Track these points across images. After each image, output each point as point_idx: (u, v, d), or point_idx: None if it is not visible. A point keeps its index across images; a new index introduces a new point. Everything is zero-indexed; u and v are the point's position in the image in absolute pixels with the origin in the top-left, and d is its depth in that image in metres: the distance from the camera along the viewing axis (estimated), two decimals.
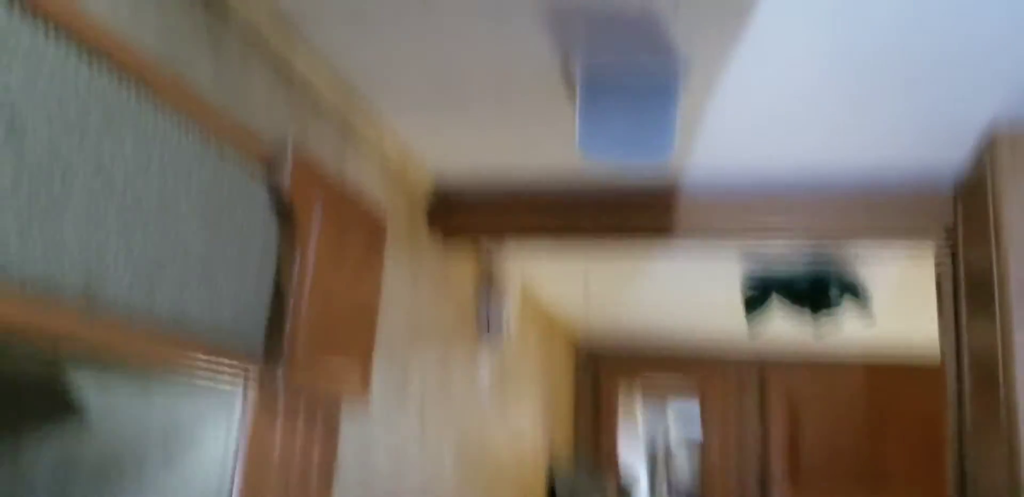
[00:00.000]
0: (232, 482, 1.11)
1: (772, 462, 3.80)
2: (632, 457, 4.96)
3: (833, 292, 2.52)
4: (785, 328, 3.51)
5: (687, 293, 3.11)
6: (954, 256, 1.89)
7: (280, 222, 1.16)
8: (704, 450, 3.90)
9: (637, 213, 1.96)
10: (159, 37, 1.04)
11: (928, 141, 1.66)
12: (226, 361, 1.07)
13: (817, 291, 2.53)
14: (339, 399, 1.36)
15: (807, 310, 2.56)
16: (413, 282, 2.00)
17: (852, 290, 2.53)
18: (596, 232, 2.01)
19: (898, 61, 1.37)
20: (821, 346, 3.81)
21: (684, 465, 7.31)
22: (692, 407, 6.18)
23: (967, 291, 1.82)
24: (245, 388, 1.15)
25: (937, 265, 1.96)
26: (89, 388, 1.17)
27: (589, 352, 4.07)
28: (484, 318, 2.53)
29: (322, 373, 1.25)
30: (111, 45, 0.82)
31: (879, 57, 1.36)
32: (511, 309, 2.62)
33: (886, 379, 3.79)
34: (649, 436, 6.11)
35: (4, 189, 0.72)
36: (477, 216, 2.07)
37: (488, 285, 2.54)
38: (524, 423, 3.07)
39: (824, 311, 2.55)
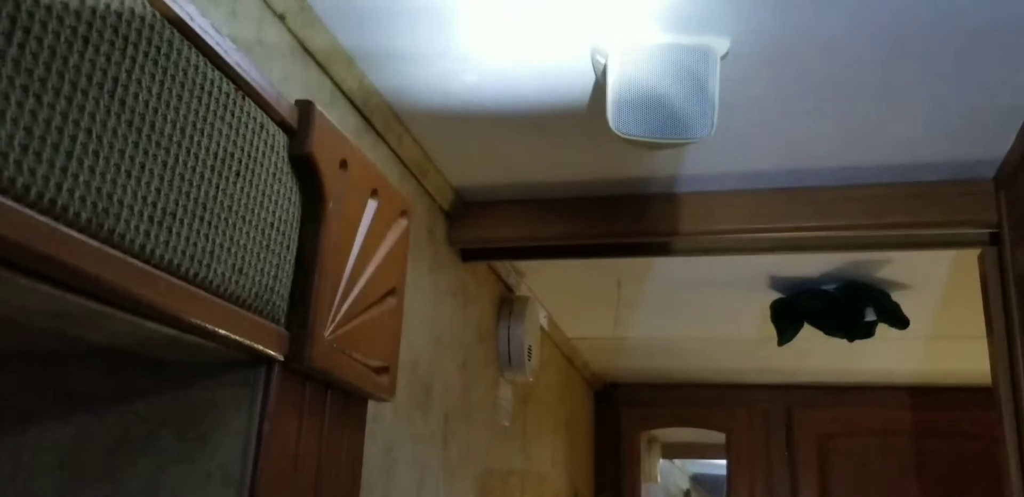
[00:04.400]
0: (253, 475, 1.02)
1: None
2: None
3: (868, 317, 2.42)
4: (812, 363, 3.41)
5: (714, 328, 3.02)
6: (1000, 257, 1.80)
7: (303, 192, 1.08)
8: (732, 489, 3.75)
9: (660, 217, 1.89)
10: None
11: (966, 126, 1.59)
12: (246, 341, 0.99)
13: (851, 317, 2.43)
14: (365, 395, 1.27)
15: (842, 336, 2.47)
16: (433, 296, 1.92)
17: (888, 315, 2.43)
18: (623, 237, 1.93)
19: (934, 33, 1.31)
20: (851, 381, 3.69)
21: None
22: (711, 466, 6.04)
23: (1019, 297, 1.72)
24: (268, 373, 1.06)
25: (982, 268, 1.87)
26: (96, 373, 1.08)
27: (610, 396, 3.95)
28: (505, 348, 2.43)
29: (348, 362, 1.16)
30: None
31: (913, 30, 1.30)
32: (534, 341, 2.52)
33: (922, 410, 3.65)
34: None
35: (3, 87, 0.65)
36: (498, 229, 2.00)
37: (509, 313, 2.45)
38: (545, 464, 2.94)
39: (860, 337, 2.46)
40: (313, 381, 1.14)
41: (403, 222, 1.36)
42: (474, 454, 2.17)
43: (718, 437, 4.11)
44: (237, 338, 0.95)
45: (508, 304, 2.46)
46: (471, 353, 2.18)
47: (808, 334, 2.58)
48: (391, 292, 1.31)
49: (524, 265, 2.48)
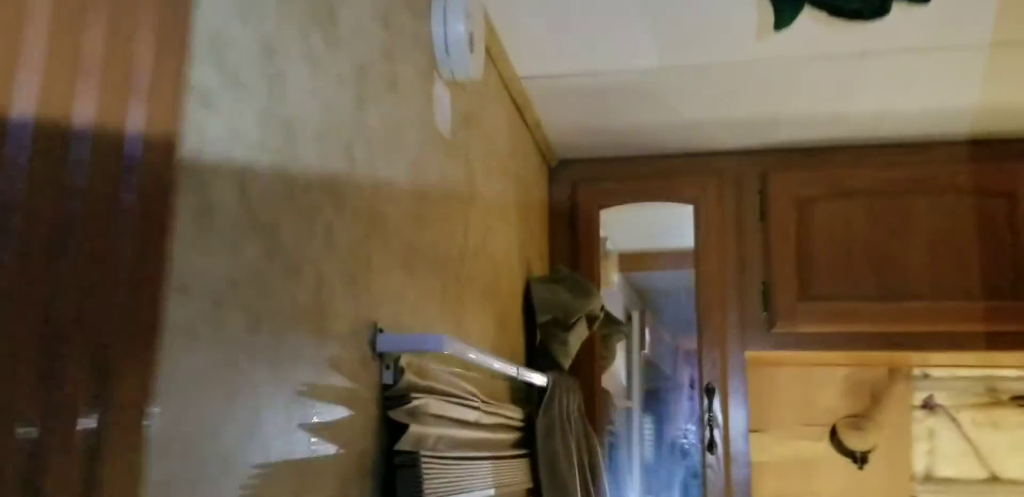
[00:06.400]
0: None
1: (776, 274, 3.28)
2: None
3: None
4: (798, 107, 2.98)
5: (693, 48, 2.55)
6: None
7: None
8: (699, 267, 3.37)
9: None
10: None
11: None
12: None
13: None
14: None
15: (852, 14, 2.00)
16: None
17: None
18: None
19: None
20: (835, 138, 3.27)
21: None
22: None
23: None
24: None
25: None
26: None
27: (565, 173, 3.51)
28: (440, 32, 1.94)
29: None
30: None
31: None
32: (477, 28, 2.03)
33: (915, 168, 3.26)
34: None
35: None
36: None
37: None
38: (494, 212, 2.50)
39: (875, 13, 1.99)
40: None
41: None
42: (401, 133, 1.70)
43: (680, 243, 3.74)
44: None
45: None
46: (396, 16, 1.69)
47: (802, 50, 2.13)
48: None
49: None
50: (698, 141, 3.33)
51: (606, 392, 3.81)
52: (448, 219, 2.01)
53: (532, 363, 2.85)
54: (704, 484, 3.24)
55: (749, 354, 3.36)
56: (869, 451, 4.03)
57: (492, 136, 2.49)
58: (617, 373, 5.18)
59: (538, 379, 2.46)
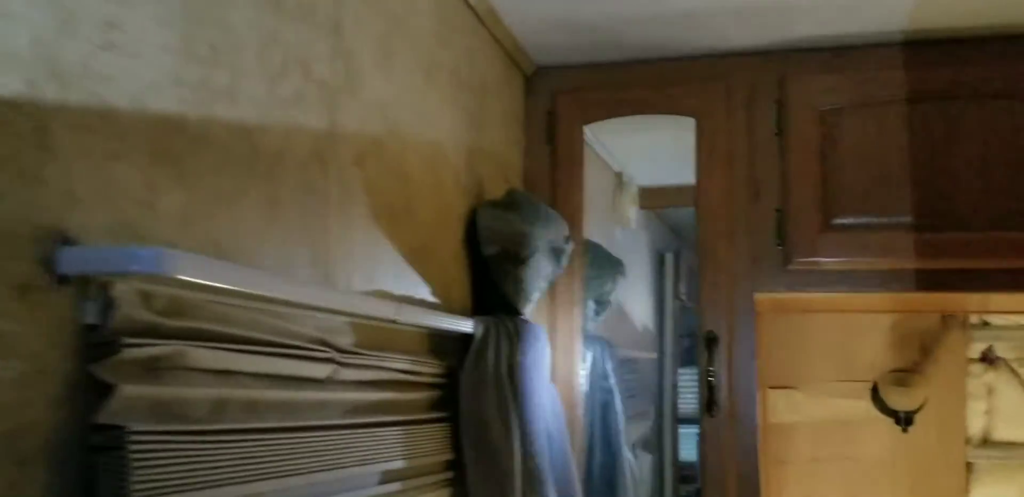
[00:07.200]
0: None
1: (794, 199, 2.70)
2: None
3: None
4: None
5: None
6: None
7: None
8: (701, 192, 2.80)
9: None
10: None
11: None
12: None
13: None
14: None
15: None
16: None
17: None
18: None
19: None
20: (854, 32, 2.64)
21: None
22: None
23: None
24: None
25: None
26: None
27: (543, 83, 2.95)
28: None
29: None
30: None
31: None
32: None
33: (952, 67, 2.64)
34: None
35: None
36: None
37: None
38: (401, 123, 1.97)
39: None
40: None
41: None
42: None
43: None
44: None
45: None
46: None
47: None
48: None
49: None
50: (700, 39, 2.73)
51: (600, 341, 3.28)
52: (288, 105, 1.49)
53: (481, 305, 2.34)
54: (701, 451, 2.71)
55: (762, 297, 2.80)
56: (915, 411, 3.44)
57: (401, 15, 1.95)
58: (634, 320, 4.63)
59: (456, 324, 1.94)
